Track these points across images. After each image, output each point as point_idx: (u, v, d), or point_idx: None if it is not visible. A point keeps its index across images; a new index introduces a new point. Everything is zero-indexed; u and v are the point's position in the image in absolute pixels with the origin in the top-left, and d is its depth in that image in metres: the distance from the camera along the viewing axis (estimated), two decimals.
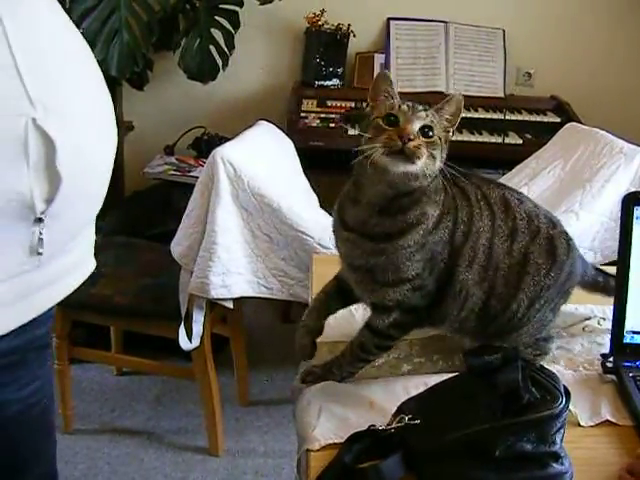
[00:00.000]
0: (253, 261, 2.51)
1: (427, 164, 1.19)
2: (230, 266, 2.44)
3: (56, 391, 2.75)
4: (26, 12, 1.05)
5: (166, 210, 3.36)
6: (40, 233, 1.07)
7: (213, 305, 2.63)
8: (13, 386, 1.23)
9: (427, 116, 1.21)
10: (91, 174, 1.15)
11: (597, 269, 1.54)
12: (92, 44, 3.19)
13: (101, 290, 2.70)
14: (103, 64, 3.22)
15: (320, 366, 1.35)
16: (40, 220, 1.05)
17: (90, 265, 1.32)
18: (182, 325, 2.56)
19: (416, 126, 1.19)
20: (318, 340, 1.41)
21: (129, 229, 3.19)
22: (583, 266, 1.44)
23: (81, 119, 1.12)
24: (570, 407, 1.13)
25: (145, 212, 3.49)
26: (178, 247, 2.51)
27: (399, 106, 1.21)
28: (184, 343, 2.57)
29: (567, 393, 1.08)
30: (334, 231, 1.34)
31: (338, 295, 1.40)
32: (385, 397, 1.27)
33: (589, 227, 2.58)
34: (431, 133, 1.20)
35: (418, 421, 1.09)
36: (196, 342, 2.59)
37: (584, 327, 1.58)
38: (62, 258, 1.17)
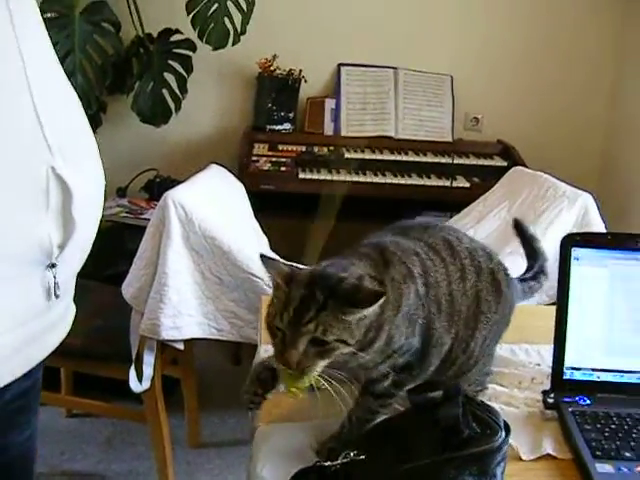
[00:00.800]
0: (203, 303, 2.52)
1: (333, 360, 1.14)
2: (181, 308, 2.45)
3: None
4: (38, 56, 1.07)
5: (118, 252, 3.35)
6: (54, 277, 1.09)
7: (164, 347, 2.63)
8: (17, 430, 1.24)
9: (316, 327, 1.10)
10: (95, 221, 1.18)
11: (523, 279, 1.59)
12: None
13: None
14: None
15: (334, 441, 1.27)
16: (54, 265, 1.08)
17: (74, 307, 1.34)
18: (133, 367, 2.55)
19: (300, 347, 1.10)
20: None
21: (81, 270, 3.18)
22: (516, 287, 1.49)
23: (89, 165, 1.15)
24: (511, 442, 1.17)
25: (97, 254, 3.47)
26: (129, 288, 2.52)
27: (281, 315, 1.12)
28: (135, 385, 2.56)
29: (507, 427, 1.11)
30: None
31: None
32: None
33: None
34: (324, 340, 1.11)
35: (363, 456, 1.12)
36: (147, 384, 2.58)
37: (520, 367, 1.62)
38: (65, 299, 1.20)
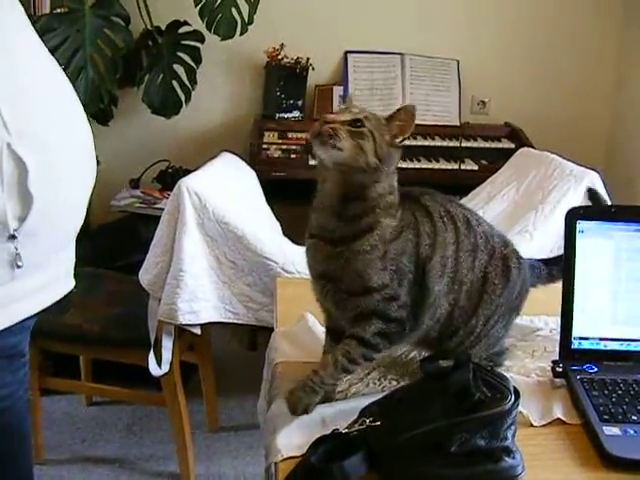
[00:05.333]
0: (219, 287, 2.56)
1: (353, 152, 1.22)
2: (197, 293, 2.49)
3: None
4: (5, 42, 1.13)
5: (132, 242, 3.40)
6: (16, 249, 1.14)
7: (181, 333, 2.68)
8: None
9: (360, 112, 1.26)
10: (67, 196, 1.22)
11: (545, 262, 1.60)
12: None
13: (70, 319, 2.73)
14: None
15: (299, 388, 1.32)
16: (14, 237, 1.13)
17: (68, 284, 1.39)
18: (151, 352, 2.60)
19: (342, 117, 1.24)
20: (283, 360, 1.48)
21: (97, 261, 3.23)
22: (534, 273, 1.52)
23: (56, 146, 1.20)
24: (522, 409, 1.21)
25: (112, 244, 3.54)
26: (146, 275, 2.56)
27: (339, 105, 1.27)
28: (154, 369, 2.60)
29: (516, 392, 1.15)
30: (305, 250, 1.36)
31: (336, 343, 1.36)
32: (336, 416, 1.30)
33: (542, 247, 2.65)
34: (360, 125, 1.23)
35: (378, 423, 1.16)
36: (166, 368, 2.62)
37: (536, 337, 1.66)
38: (39, 274, 1.24)
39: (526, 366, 1.53)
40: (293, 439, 1.24)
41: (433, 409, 1.14)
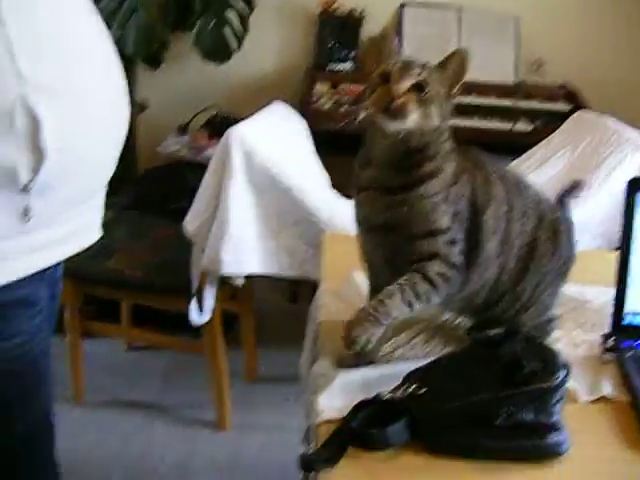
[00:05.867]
0: (264, 239, 2.54)
1: (421, 121, 1.20)
2: (242, 243, 2.48)
3: (67, 364, 2.83)
4: None
5: (179, 188, 3.39)
6: (27, 202, 1.12)
7: (223, 282, 2.68)
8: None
9: (420, 73, 1.20)
10: (88, 150, 1.19)
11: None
12: (109, 23, 3.22)
13: (113, 264, 2.75)
14: (119, 43, 3.25)
15: (362, 318, 1.24)
16: (26, 189, 1.11)
17: (92, 236, 1.37)
18: (194, 300, 2.61)
19: (406, 83, 1.19)
20: (328, 319, 1.47)
21: (142, 206, 3.23)
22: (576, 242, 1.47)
23: (79, 99, 1.17)
24: (569, 383, 1.18)
25: (158, 190, 3.54)
26: (191, 224, 2.55)
27: (394, 64, 1.22)
28: (196, 317, 2.61)
29: (567, 366, 1.12)
30: (354, 205, 1.33)
31: None
32: (379, 380, 1.27)
33: (596, 213, 2.60)
34: (425, 90, 1.20)
35: (423, 390, 1.14)
36: (207, 317, 2.63)
37: (587, 309, 1.62)
38: (54, 228, 1.22)
39: (575, 338, 1.49)
40: (334, 401, 1.22)
41: (480, 379, 1.12)
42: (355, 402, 1.16)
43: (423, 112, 1.20)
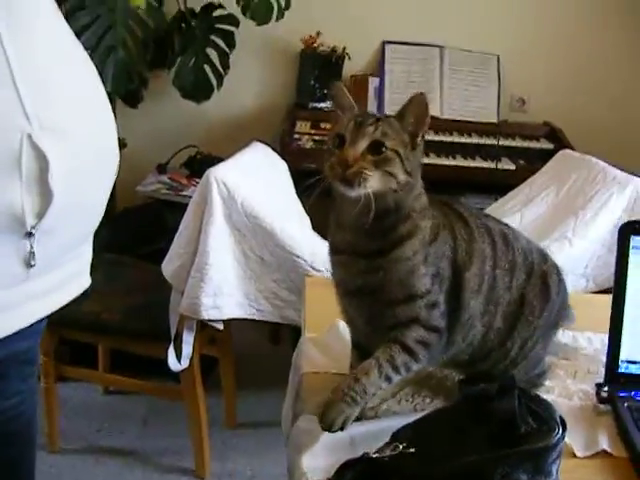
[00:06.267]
0: (245, 283, 2.49)
1: (382, 183, 1.13)
2: (222, 287, 2.43)
3: (42, 409, 2.75)
4: (25, 26, 1.06)
5: (157, 229, 3.35)
6: (31, 247, 1.08)
7: (202, 326, 2.61)
8: None
9: (376, 130, 1.14)
10: (87, 192, 1.17)
11: None
12: None
13: (89, 307, 2.67)
14: None
15: (338, 399, 1.19)
16: (30, 234, 1.07)
17: (84, 283, 1.33)
18: (171, 345, 2.54)
19: (361, 145, 1.13)
20: (311, 371, 1.41)
21: (120, 247, 3.17)
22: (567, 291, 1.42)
23: (80, 137, 1.14)
24: (565, 438, 1.12)
25: (136, 230, 3.49)
26: (169, 267, 2.50)
27: (348, 122, 1.16)
28: (173, 364, 2.55)
29: (563, 423, 1.07)
30: (330, 265, 1.27)
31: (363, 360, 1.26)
32: (366, 437, 1.21)
33: (582, 254, 2.57)
34: (383, 148, 1.13)
35: (412, 449, 1.08)
36: (185, 363, 2.57)
37: (579, 356, 1.57)
38: (53, 273, 1.19)
39: (568, 388, 1.44)
40: (319, 460, 1.16)
41: (473, 438, 1.05)
42: (341, 462, 1.09)
43: (382, 173, 1.13)
